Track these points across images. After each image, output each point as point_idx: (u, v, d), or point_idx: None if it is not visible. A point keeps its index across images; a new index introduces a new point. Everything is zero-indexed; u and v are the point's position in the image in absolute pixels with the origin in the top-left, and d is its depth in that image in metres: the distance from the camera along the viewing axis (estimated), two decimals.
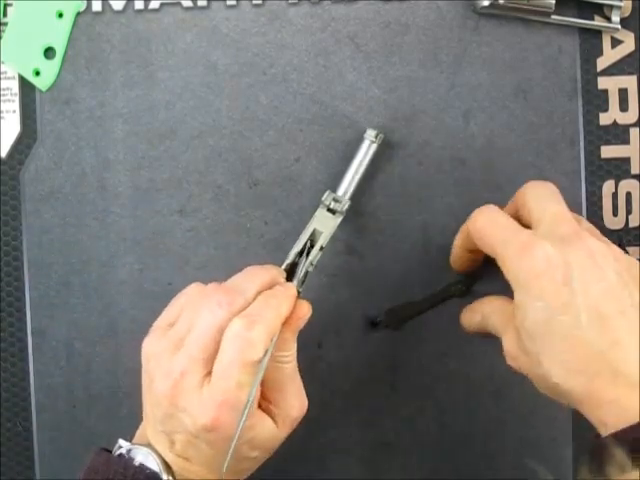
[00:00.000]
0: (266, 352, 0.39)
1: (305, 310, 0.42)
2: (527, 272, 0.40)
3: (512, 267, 0.40)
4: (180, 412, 0.39)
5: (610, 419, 0.38)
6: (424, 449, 0.52)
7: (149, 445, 0.41)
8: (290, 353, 0.42)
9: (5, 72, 0.51)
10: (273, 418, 0.41)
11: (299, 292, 0.43)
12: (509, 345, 0.42)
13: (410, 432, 0.52)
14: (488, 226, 0.43)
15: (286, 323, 0.41)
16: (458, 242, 0.47)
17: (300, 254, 0.44)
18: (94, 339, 0.52)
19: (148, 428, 0.42)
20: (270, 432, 0.41)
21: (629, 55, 0.51)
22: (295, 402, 0.42)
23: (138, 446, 0.41)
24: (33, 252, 0.52)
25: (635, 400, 0.37)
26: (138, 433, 0.44)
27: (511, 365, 0.43)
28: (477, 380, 0.51)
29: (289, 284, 0.43)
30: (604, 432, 0.38)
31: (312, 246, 0.45)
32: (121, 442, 0.42)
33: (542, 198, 0.43)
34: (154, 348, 0.41)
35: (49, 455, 0.52)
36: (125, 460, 0.41)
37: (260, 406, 0.41)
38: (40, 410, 0.52)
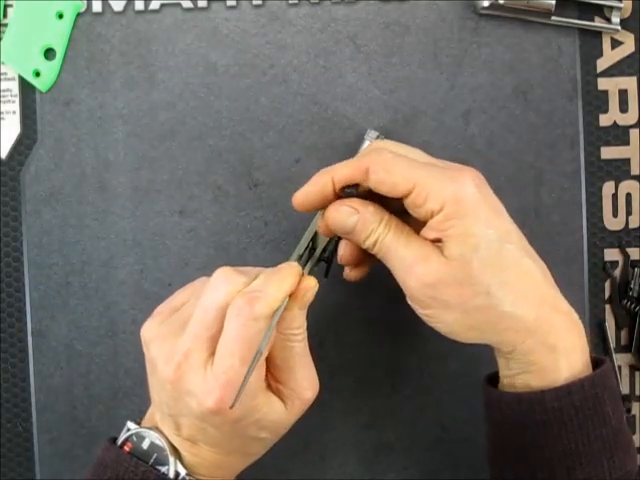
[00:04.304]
0: (270, 326, 0.38)
1: (311, 283, 0.41)
2: (471, 199, 0.38)
3: (446, 194, 0.38)
4: (185, 395, 0.39)
5: (561, 344, 0.39)
6: (424, 449, 0.52)
7: (156, 428, 0.42)
8: (300, 331, 0.41)
9: (5, 73, 0.51)
10: (283, 399, 0.41)
11: None
12: (431, 271, 0.38)
13: (410, 432, 0.52)
14: (398, 159, 0.40)
15: (292, 298, 0.40)
16: (341, 173, 0.41)
17: (300, 257, 0.44)
18: (94, 340, 0.52)
19: (156, 412, 0.42)
20: (279, 413, 0.41)
21: (629, 56, 0.51)
22: (306, 383, 0.41)
23: (146, 429, 0.42)
24: (33, 253, 0.52)
25: (575, 331, 0.40)
26: (147, 416, 0.44)
27: (421, 297, 0.39)
28: (477, 380, 0.51)
29: (292, 262, 0.43)
30: (548, 360, 0.39)
31: (314, 248, 0.44)
32: (129, 425, 0.42)
33: (406, 167, 0.40)
34: (154, 332, 0.41)
35: (49, 456, 0.52)
36: (135, 461, 0.41)
37: (269, 386, 0.41)
38: (40, 411, 0.52)
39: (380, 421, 0.52)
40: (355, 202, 0.41)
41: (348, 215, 0.41)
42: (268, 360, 0.40)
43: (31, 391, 0.52)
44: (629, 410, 0.52)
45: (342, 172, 0.41)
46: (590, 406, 0.38)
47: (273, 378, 0.41)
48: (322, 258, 0.45)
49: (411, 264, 0.39)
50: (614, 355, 0.52)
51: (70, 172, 0.52)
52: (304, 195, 0.42)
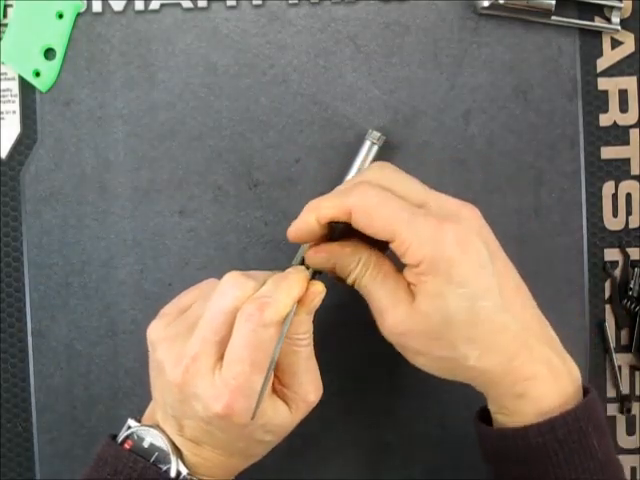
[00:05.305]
0: (282, 334, 0.39)
1: (319, 288, 0.41)
2: (447, 261, 0.38)
3: (423, 252, 0.38)
4: (192, 399, 0.39)
5: (531, 392, 0.39)
6: (424, 449, 0.52)
7: (158, 427, 0.41)
8: (306, 336, 0.41)
9: (5, 73, 0.51)
10: (287, 403, 0.41)
11: None
12: (398, 322, 0.39)
13: (410, 432, 0.52)
14: (381, 206, 0.39)
15: (300, 303, 0.40)
16: (325, 214, 0.40)
17: (304, 260, 0.44)
18: (94, 340, 0.52)
19: (157, 411, 0.42)
20: (284, 417, 0.41)
21: (629, 56, 0.51)
22: (310, 387, 0.41)
23: (147, 427, 0.42)
24: (33, 253, 0.52)
25: (549, 378, 0.39)
26: (147, 413, 0.44)
27: (392, 341, 0.40)
28: None
29: (300, 267, 0.43)
30: (515, 405, 0.40)
31: None
32: (130, 422, 0.42)
33: (410, 184, 0.41)
34: (161, 334, 0.41)
35: (49, 456, 0.52)
36: (134, 458, 0.40)
37: (274, 390, 0.41)
38: (40, 411, 0.52)
39: (380, 421, 0.52)
40: (333, 246, 0.42)
41: (326, 259, 0.42)
42: None
43: (31, 391, 0.52)
44: (629, 410, 0.52)
45: (326, 213, 0.40)
46: (575, 439, 0.38)
47: (278, 381, 0.41)
48: None
49: (382, 310, 0.40)
50: (614, 355, 0.52)
51: (70, 172, 0.52)
52: (295, 231, 0.42)
